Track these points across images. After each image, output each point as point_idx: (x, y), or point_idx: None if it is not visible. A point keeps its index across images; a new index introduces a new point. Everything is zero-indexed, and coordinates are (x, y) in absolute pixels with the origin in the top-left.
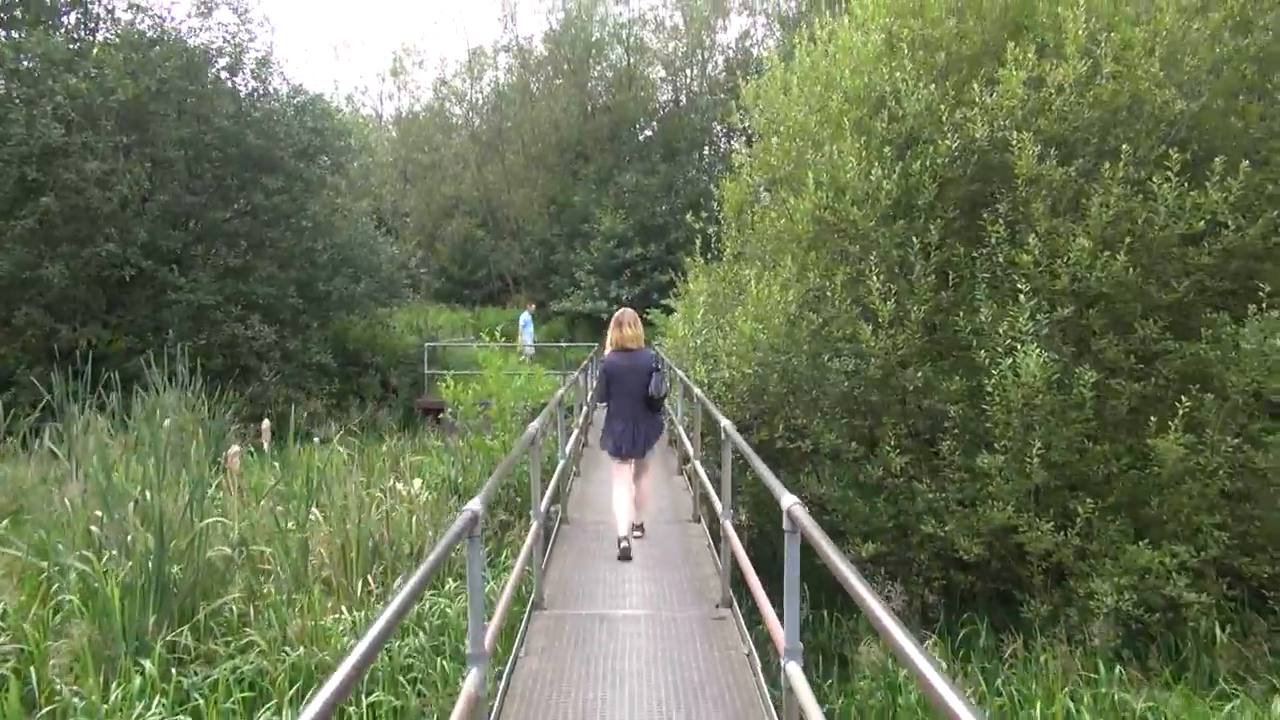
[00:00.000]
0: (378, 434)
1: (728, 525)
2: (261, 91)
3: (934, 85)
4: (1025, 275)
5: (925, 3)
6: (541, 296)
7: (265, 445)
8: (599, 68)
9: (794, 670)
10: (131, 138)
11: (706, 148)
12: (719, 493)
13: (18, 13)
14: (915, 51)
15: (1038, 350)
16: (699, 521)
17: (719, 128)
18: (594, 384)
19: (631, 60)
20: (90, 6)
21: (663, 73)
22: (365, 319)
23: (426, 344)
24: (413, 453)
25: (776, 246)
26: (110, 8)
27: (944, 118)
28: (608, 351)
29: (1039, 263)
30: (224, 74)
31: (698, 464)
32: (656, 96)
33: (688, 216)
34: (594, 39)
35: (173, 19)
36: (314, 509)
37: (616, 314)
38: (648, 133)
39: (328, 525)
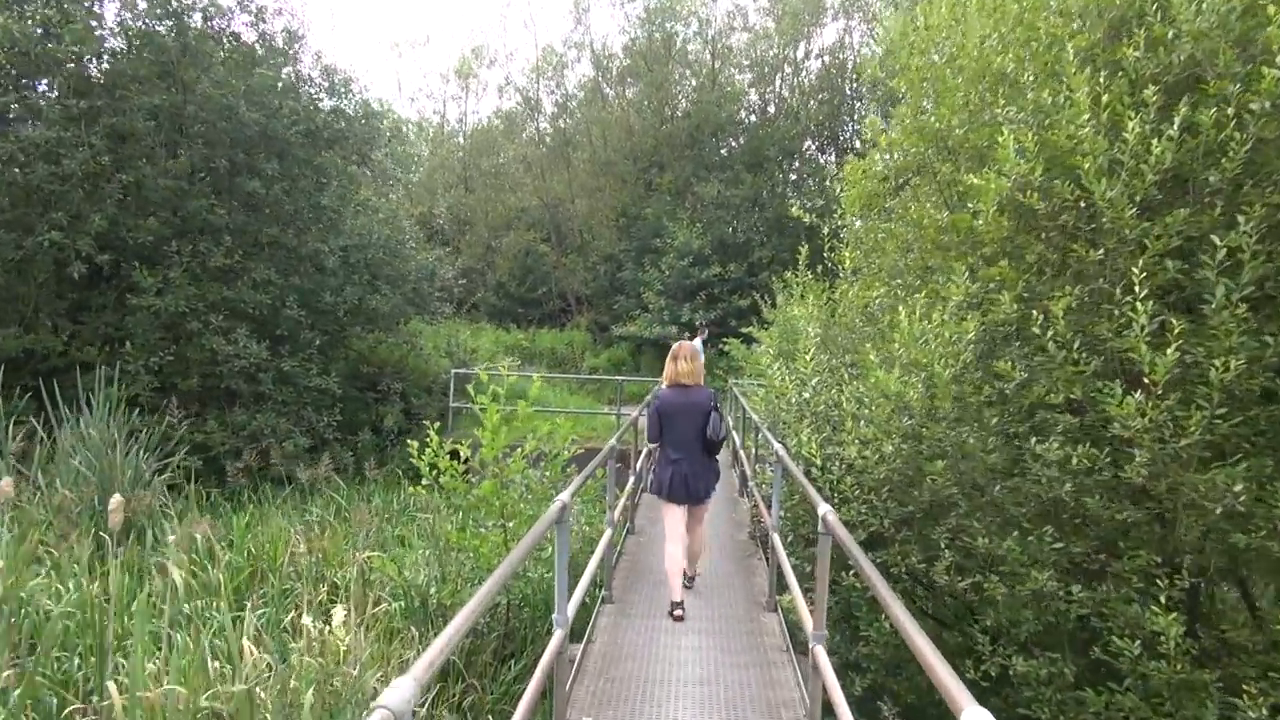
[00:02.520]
0: (379, 479)
1: (819, 653)
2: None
3: None
4: None
5: None
6: (605, 319)
7: (113, 528)
8: (680, 69)
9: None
10: (90, 102)
11: (796, 159)
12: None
13: None
14: None
15: None
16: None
17: (811, 145)
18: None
19: (716, 64)
20: None
21: (750, 77)
22: (387, 337)
23: (455, 370)
24: (405, 520)
25: (938, 254)
26: None
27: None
28: (662, 386)
29: None
30: (226, 35)
31: (778, 544)
32: (743, 101)
33: (793, 209)
34: (674, 37)
35: None
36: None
37: (674, 347)
38: (732, 143)
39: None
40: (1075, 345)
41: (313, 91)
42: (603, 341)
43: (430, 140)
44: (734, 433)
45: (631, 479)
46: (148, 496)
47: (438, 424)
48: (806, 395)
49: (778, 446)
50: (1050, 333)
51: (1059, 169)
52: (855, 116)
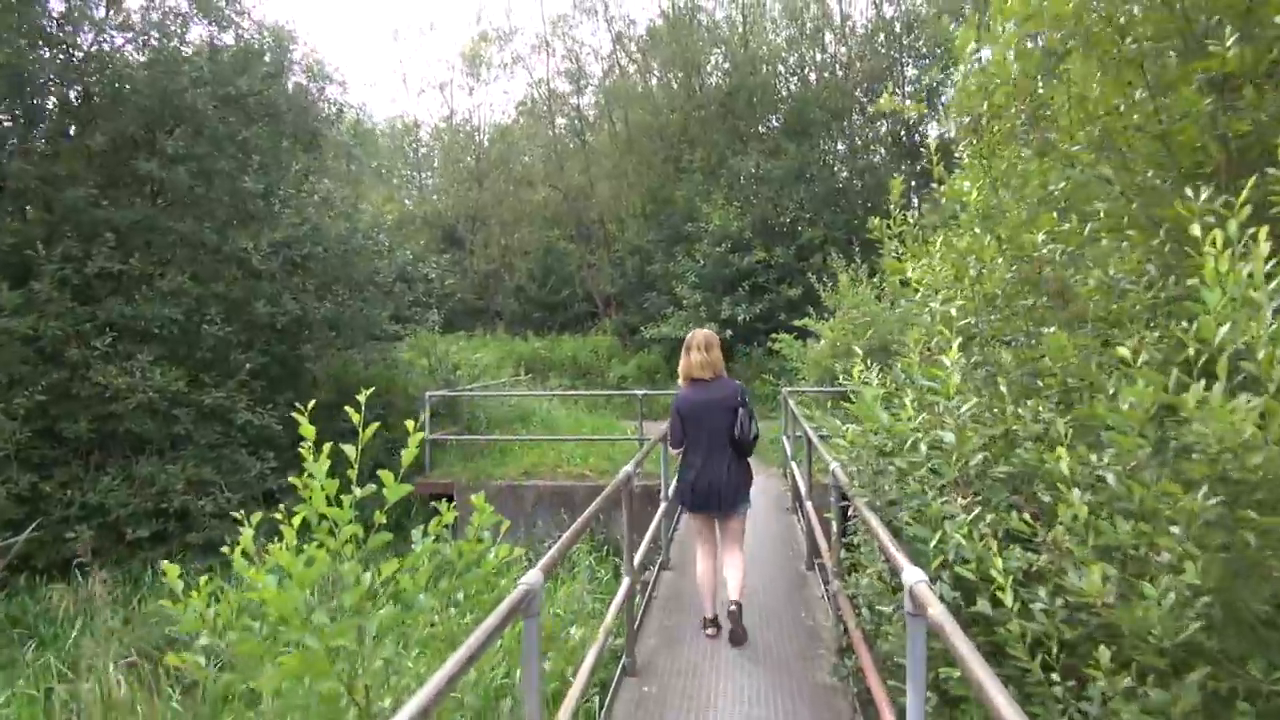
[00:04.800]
0: None
1: None
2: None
3: None
4: None
5: None
6: (635, 319)
7: None
8: (707, 34)
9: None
10: None
11: (853, 119)
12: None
13: None
14: None
15: None
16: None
17: (862, 103)
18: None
19: (748, 23)
20: None
21: (788, 34)
22: (357, 355)
23: (429, 395)
24: None
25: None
26: None
27: None
28: (680, 383)
29: None
30: None
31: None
32: (782, 61)
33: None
34: None
35: None
36: None
37: (688, 335)
38: (771, 116)
39: None
40: None
41: (236, 46)
42: (632, 346)
43: (440, 135)
44: (785, 444)
45: (662, 506)
46: None
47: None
48: (947, 433)
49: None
50: None
51: None
52: (904, 78)
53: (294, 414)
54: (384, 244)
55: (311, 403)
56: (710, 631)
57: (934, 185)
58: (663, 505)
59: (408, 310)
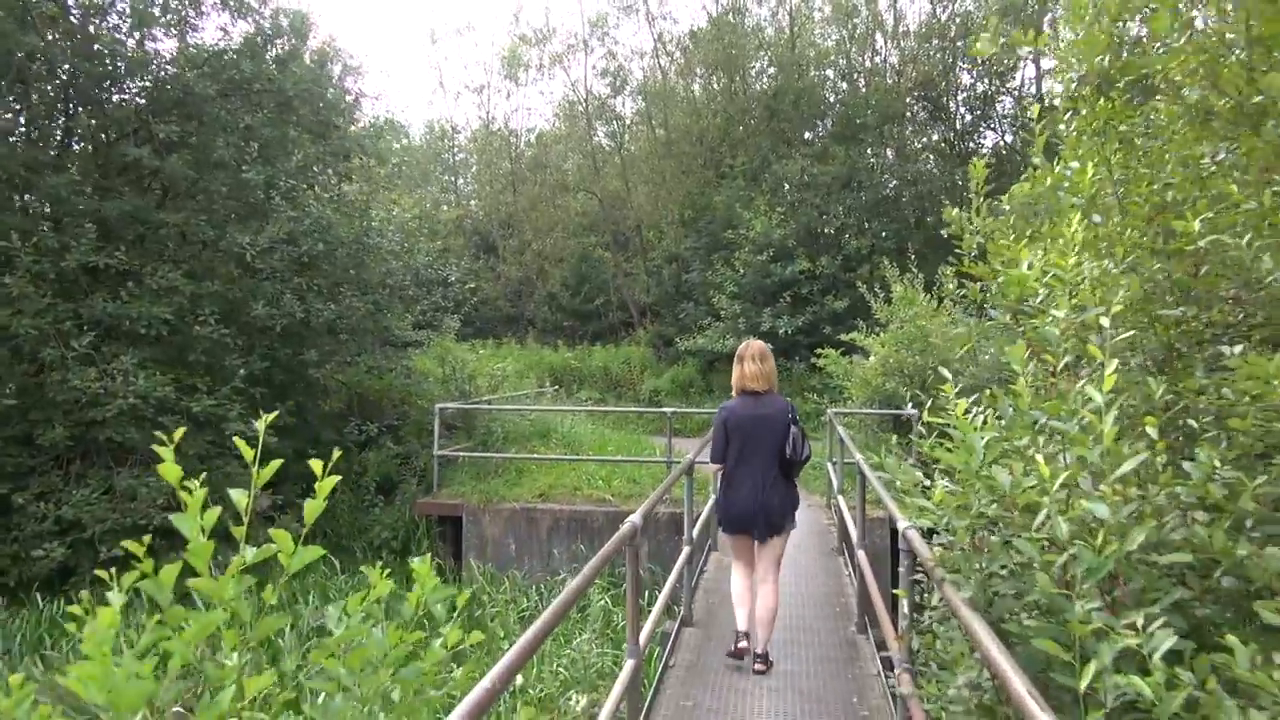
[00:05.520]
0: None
1: None
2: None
3: None
4: None
5: None
6: (670, 330)
7: None
8: (753, 28)
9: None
10: None
11: (904, 125)
12: None
13: None
14: None
15: None
16: None
17: (915, 109)
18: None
19: (795, 25)
20: None
21: (838, 37)
22: (369, 362)
23: (438, 407)
24: None
25: None
26: None
27: None
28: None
29: None
30: None
31: None
32: (830, 63)
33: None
34: None
35: None
36: None
37: (741, 345)
38: (817, 122)
39: None
40: None
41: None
42: (667, 358)
43: (476, 138)
44: (831, 473)
45: (685, 551)
46: None
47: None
48: (1097, 504)
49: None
50: None
51: None
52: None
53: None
54: (399, 244)
55: (271, 417)
56: (741, 644)
57: (1033, 165)
58: (686, 550)
59: (425, 315)
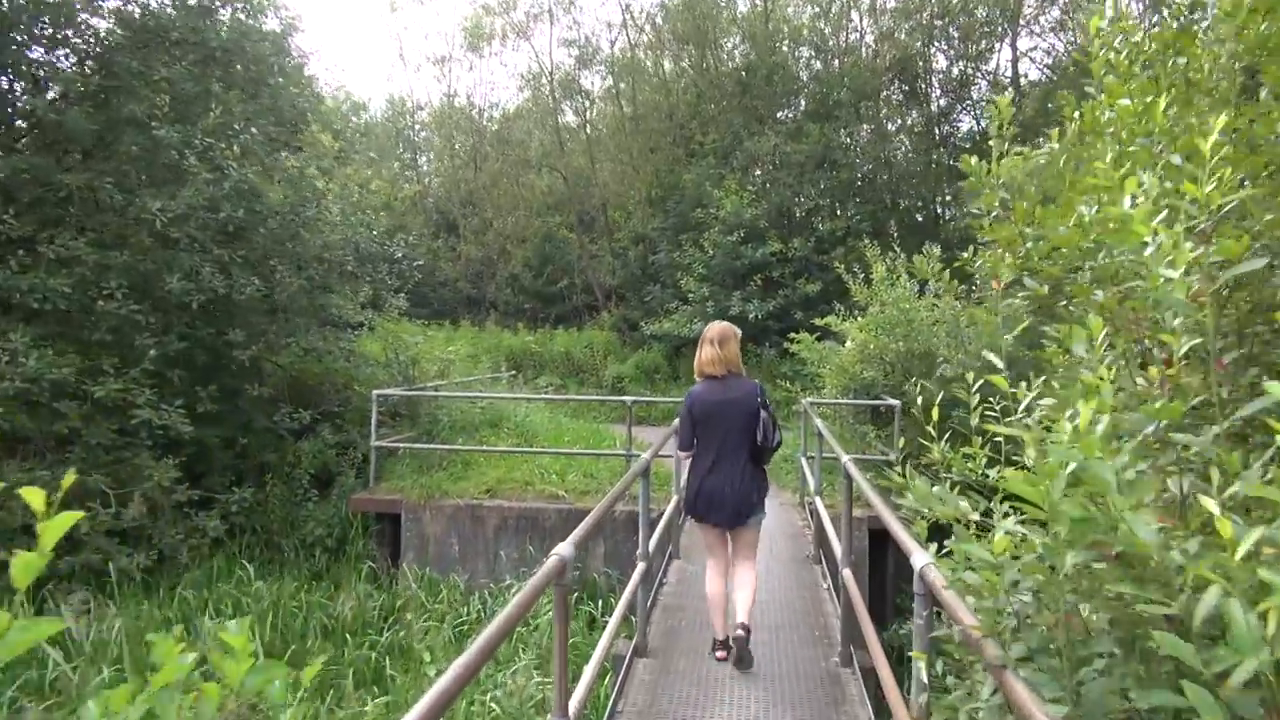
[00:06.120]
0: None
1: None
2: None
3: None
4: None
5: None
6: (637, 314)
7: None
8: (725, 1)
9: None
10: None
11: (879, 105)
12: None
13: None
14: None
15: None
16: None
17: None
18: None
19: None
20: None
21: (812, 10)
22: (300, 343)
23: (376, 394)
24: None
25: None
26: None
27: None
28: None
29: None
30: None
31: None
32: (805, 38)
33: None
34: None
35: None
36: None
37: (705, 328)
38: (793, 104)
39: None
40: None
41: None
42: (632, 342)
43: (437, 114)
44: (805, 470)
45: (641, 567)
46: None
47: None
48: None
49: None
50: None
51: None
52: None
53: None
54: (339, 216)
55: None
56: (720, 655)
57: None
58: (641, 566)
59: (371, 295)
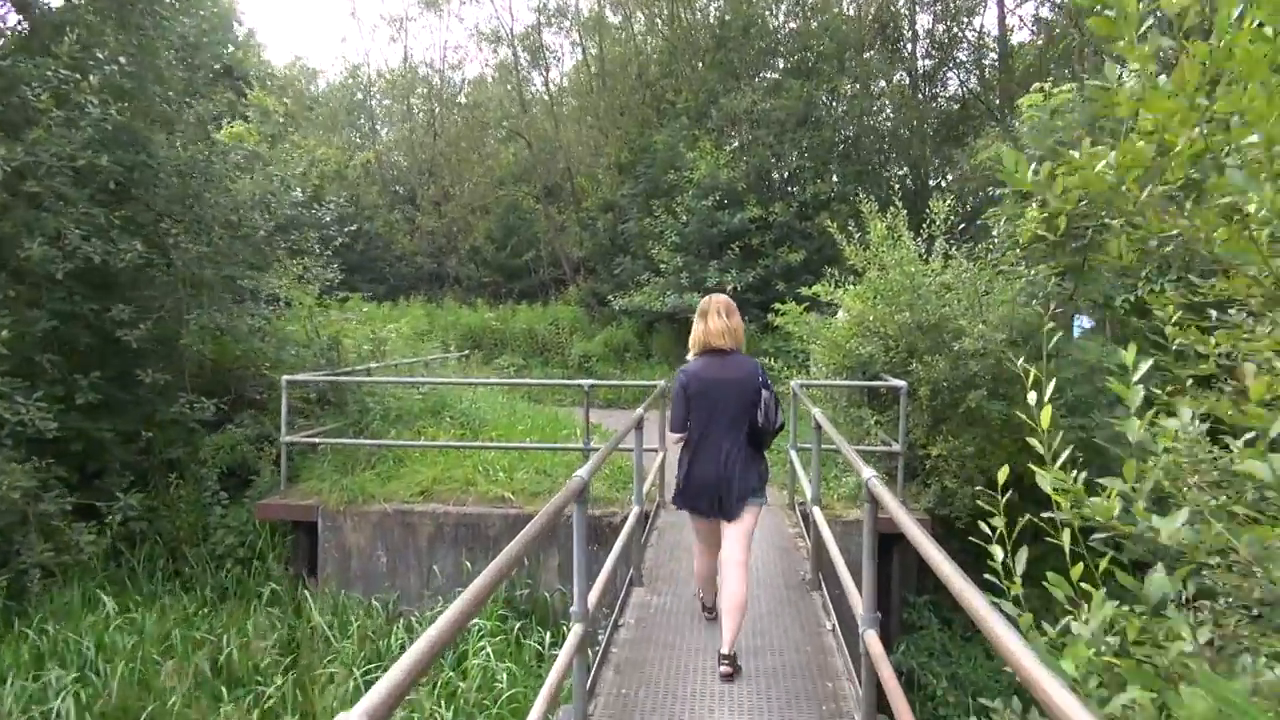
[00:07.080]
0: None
1: None
2: None
3: None
4: None
5: None
6: (606, 288)
7: None
8: None
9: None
10: None
11: (864, 60)
12: None
13: None
14: None
15: None
16: None
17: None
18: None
19: None
20: None
21: None
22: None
23: (286, 379)
24: None
25: None
26: None
27: None
28: (690, 356)
29: None
30: None
31: None
32: None
33: None
34: None
35: None
36: None
37: (703, 300)
38: (772, 60)
39: None
40: None
41: None
42: (600, 318)
43: (393, 77)
44: (797, 468)
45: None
46: None
47: None
48: None
49: None
50: None
51: None
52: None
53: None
54: (237, 170)
55: None
56: (710, 616)
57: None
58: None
59: (297, 265)
